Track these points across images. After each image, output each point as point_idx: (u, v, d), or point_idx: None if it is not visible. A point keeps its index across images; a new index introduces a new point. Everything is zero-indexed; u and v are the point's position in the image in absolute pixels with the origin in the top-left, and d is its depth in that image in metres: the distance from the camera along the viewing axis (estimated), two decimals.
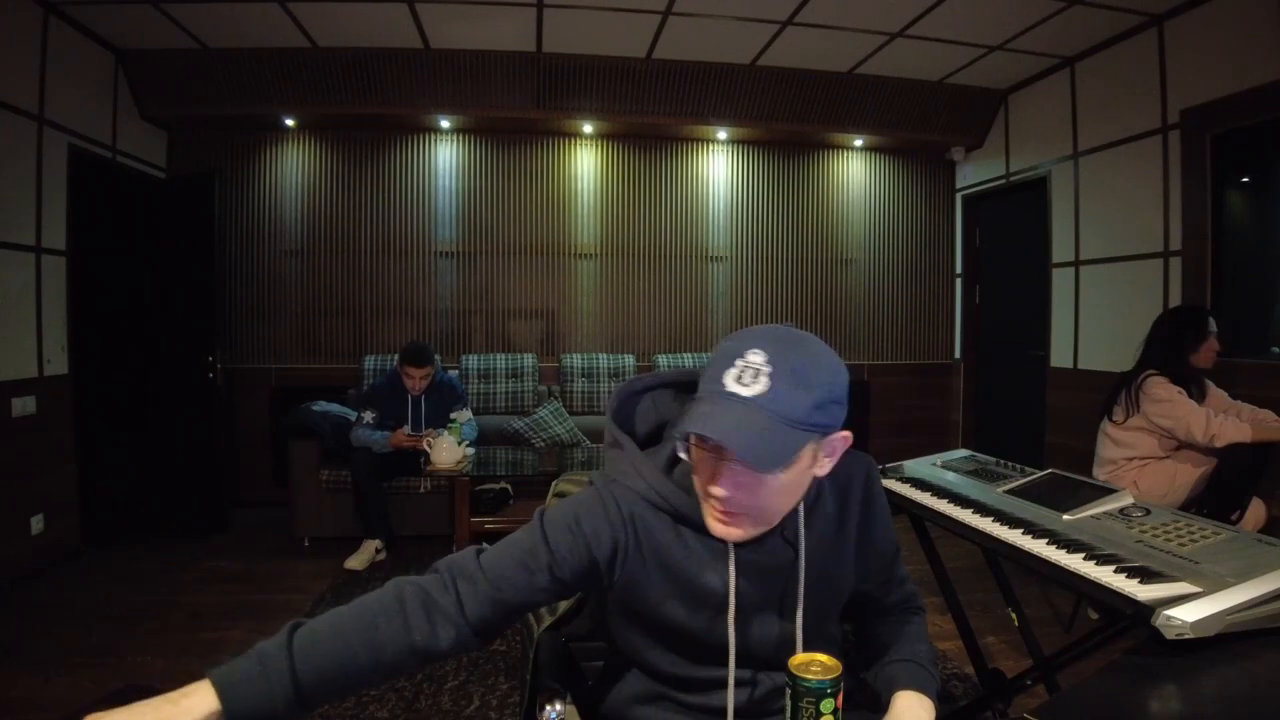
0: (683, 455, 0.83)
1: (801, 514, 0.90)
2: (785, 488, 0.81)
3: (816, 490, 0.92)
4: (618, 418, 0.97)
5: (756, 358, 0.78)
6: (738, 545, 0.88)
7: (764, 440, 0.75)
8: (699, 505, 0.86)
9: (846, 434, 0.84)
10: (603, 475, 0.93)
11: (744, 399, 0.77)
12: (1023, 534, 1.43)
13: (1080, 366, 4.09)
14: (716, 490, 0.80)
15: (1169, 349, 2.63)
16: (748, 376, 0.77)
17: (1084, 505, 1.50)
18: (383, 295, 4.70)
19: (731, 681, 0.92)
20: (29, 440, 3.26)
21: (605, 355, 4.72)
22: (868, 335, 5.18)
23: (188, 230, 4.12)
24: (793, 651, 0.89)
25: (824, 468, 0.84)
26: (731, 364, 0.79)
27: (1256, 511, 2.49)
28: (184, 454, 4.10)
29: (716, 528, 0.84)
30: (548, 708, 1.01)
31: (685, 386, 0.98)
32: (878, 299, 5.20)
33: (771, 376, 0.77)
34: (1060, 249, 4.23)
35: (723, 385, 0.78)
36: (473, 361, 4.54)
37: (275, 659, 0.80)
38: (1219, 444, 2.41)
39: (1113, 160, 3.85)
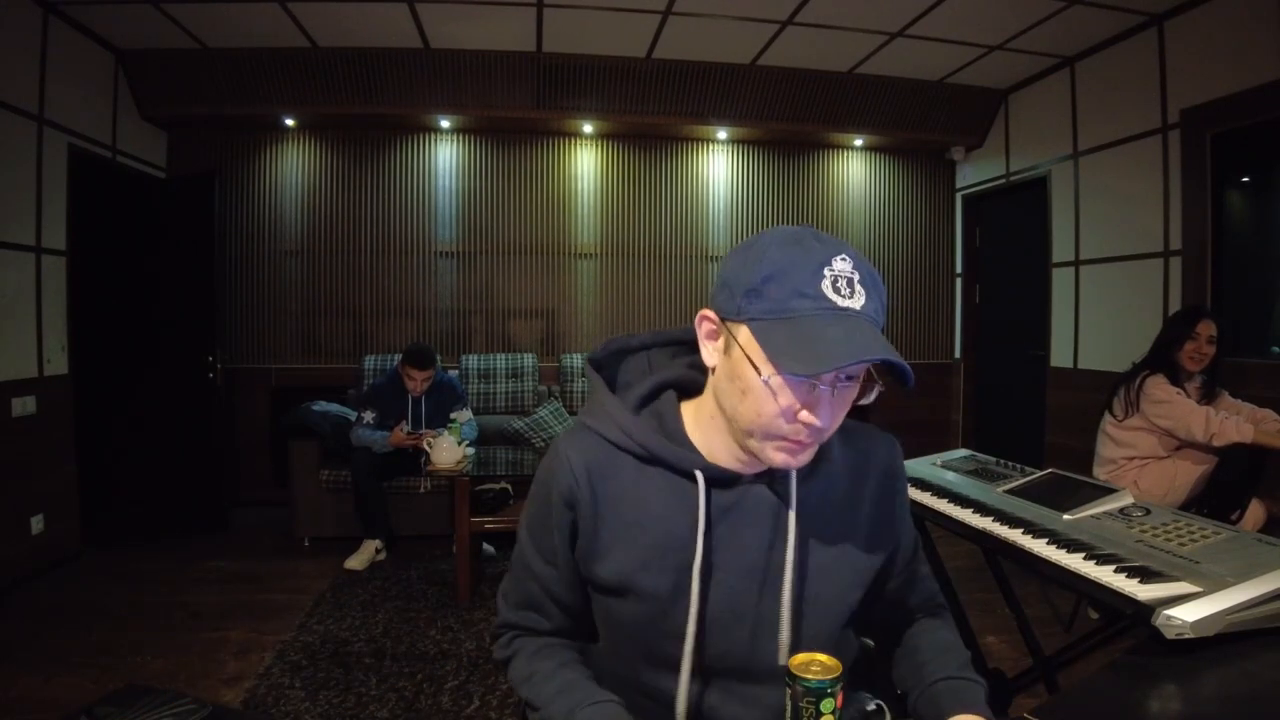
0: (774, 383, 0.70)
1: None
2: None
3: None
4: (595, 364, 0.92)
5: (845, 264, 0.70)
6: (713, 483, 0.79)
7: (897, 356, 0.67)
8: (665, 442, 0.80)
9: None
10: (562, 433, 0.89)
11: (857, 312, 0.69)
12: (1023, 534, 1.43)
13: (1080, 366, 4.09)
14: (813, 419, 0.71)
15: (1162, 348, 2.64)
16: (844, 286, 0.69)
17: (1084, 505, 1.50)
18: (383, 295, 4.71)
19: (689, 648, 0.78)
20: (29, 440, 3.26)
21: None
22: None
23: (188, 230, 4.12)
24: (773, 639, 0.80)
25: None
26: (820, 273, 0.69)
27: (1256, 511, 2.49)
28: (184, 454, 4.10)
29: (779, 457, 0.74)
30: None
31: (689, 345, 0.91)
32: None
33: (863, 284, 0.70)
34: (1060, 249, 4.23)
35: (830, 299, 0.69)
36: (473, 361, 4.54)
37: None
38: (1219, 444, 2.42)
39: (1113, 160, 3.85)
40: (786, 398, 0.71)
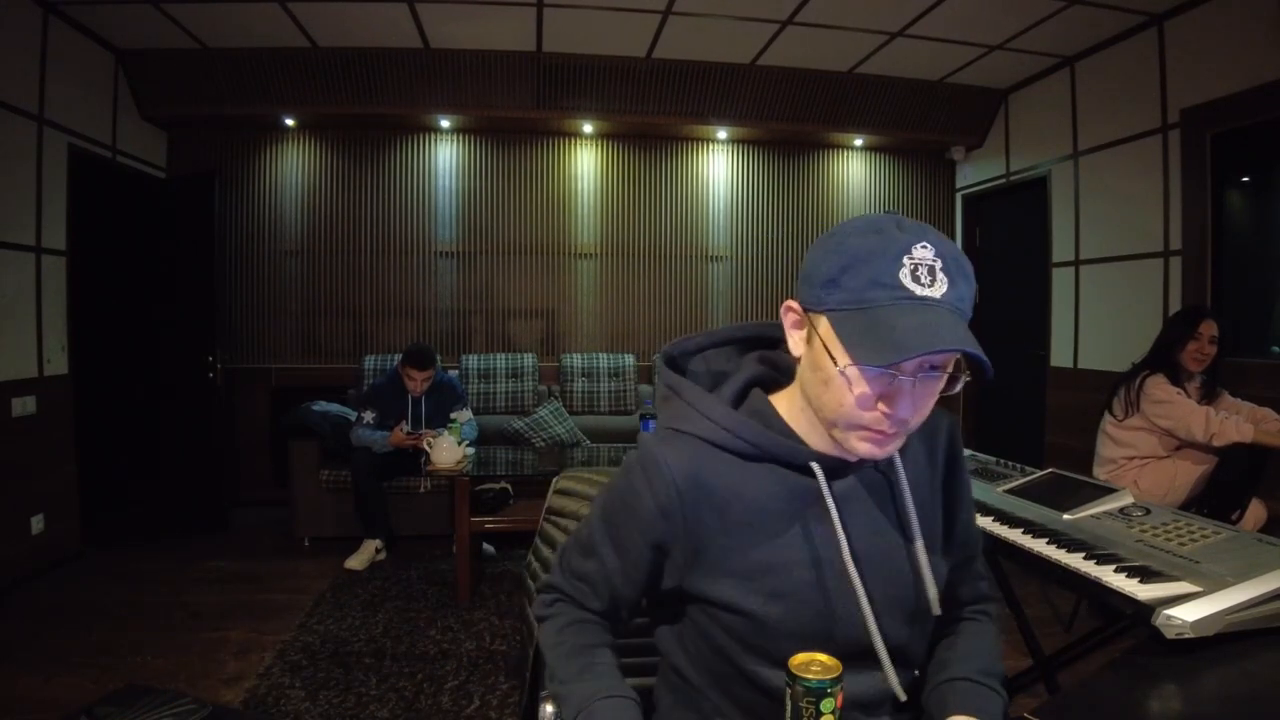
0: (852, 375, 0.70)
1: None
2: None
3: None
4: (675, 368, 0.90)
5: (926, 252, 0.68)
6: (829, 471, 0.79)
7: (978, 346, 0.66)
8: (776, 436, 0.79)
9: None
10: (650, 437, 0.85)
11: (937, 301, 0.68)
12: (1023, 533, 1.43)
13: (1080, 366, 4.09)
14: (892, 410, 0.70)
15: (1163, 348, 2.64)
16: (924, 274, 0.68)
17: (1084, 505, 1.50)
18: (383, 295, 4.71)
19: (873, 626, 0.77)
20: (29, 440, 3.26)
21: (605, 355, 4.72)
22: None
23: (188, 230, 4.12)
24: (924, 603, 0.80)
25: None
26: (899, 261, 0.68)
27: (1256, 511, 2.49)
28: (184, 454, 4.10)
29: (864, 447, 0.73)
30: (548, 708, 1.01)
31: (743, 343, 0.92)
32: None
33: (945, 271, 0.69)
34: (1060, 249, 4.23)
35: (908, 289, 0.67)
36: (473, 361, 4.54)
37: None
38: (1219, 443, 2.42)
39: (1113, 160, 3.85)
40: (863, 389, 0.71)
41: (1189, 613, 0.98)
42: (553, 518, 1.38)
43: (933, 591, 0.81)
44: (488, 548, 3.64)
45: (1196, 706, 0.92)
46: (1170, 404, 2.51)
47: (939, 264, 0.69)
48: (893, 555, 0.82)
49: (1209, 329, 2.58)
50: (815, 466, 0.79)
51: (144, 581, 3.24)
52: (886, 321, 0.67)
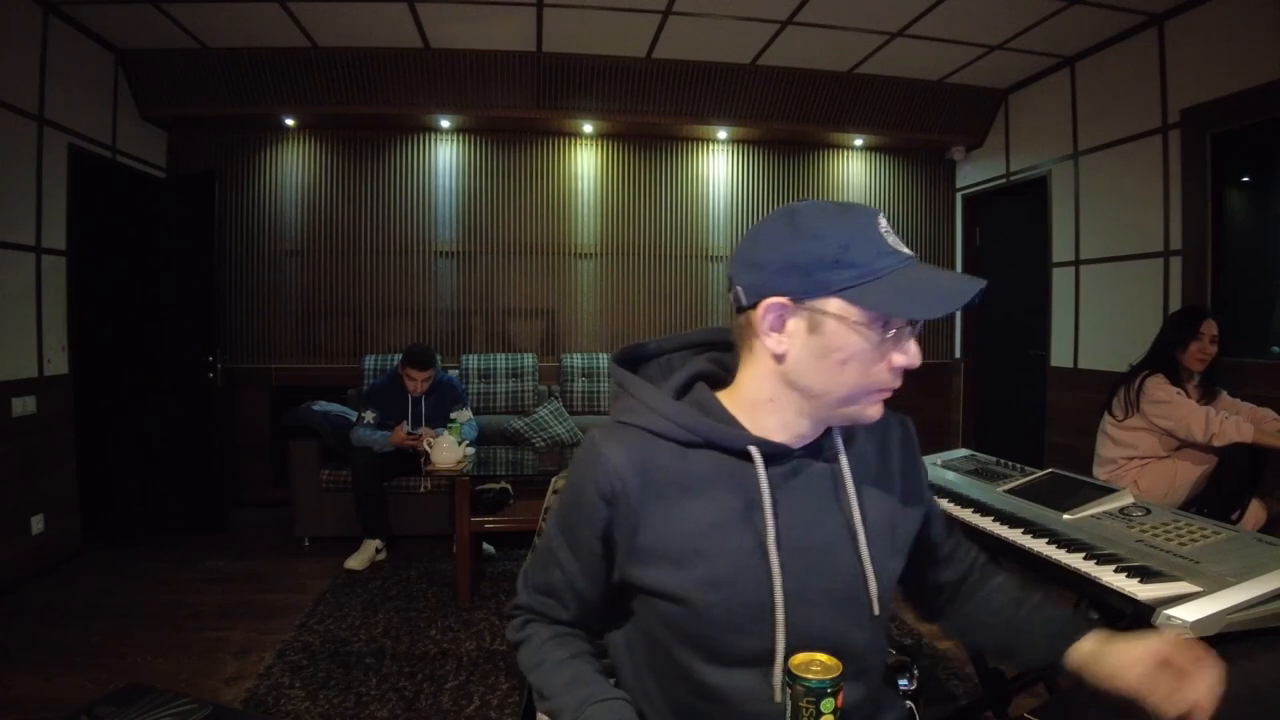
0: (857, 332, 0.74)
1: (837, 429, 0.84)
2: None
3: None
4: (623, 365, 0.93)
5: (883, 220, 0.77)
6: (768, 458, 0.80)
7: None
8: (714, 422, 0.81)
9: None
10: (594, 431, 0.87)
11: (915, 258, 0.76)
12: (1023, 533, 1.43)
13: (1080, 366, 4.09)
14: (913, 360, 0.77)
15: (1164, 349, 2.64)
16: (895, 239, 0.76)
17: (1084, 505, 1.50)
18: (383, 295, 4.71)
19: (781, 616, 0.77)
20: (29, 440, 3.26)
21: (605, 355, 4.72)
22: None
23: (188, 230, 4.12)
24: (864, 600, 0.81)
25: None
26: (879, 232, 0.75)
27: (1256, 511, 2.49)
28: (184, 454, 4.10)
29: (874, 410, 0.79)
30: None
31: (699, 347, 0.94)
32: None
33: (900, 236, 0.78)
34: (1060, 249, 4.23)
35: (900, 252, 0.75)
36: (473, 361, 4.54)
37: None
38: (1219, 443, 2.42)
39: (1113, 160, 3.85)
40: (890, 348, 0.76)
41: (1189, 613, 0.99)
42: None
43: (874, 588, 0.81)
44: (488, 548, 3.64)
45: None
46: (1170, 404, 2.51)
47: (892, 229, 0.77)
48: (834, 549, 0.82)
49: (1210, 329, 2.58)
50: (754, 450, 0.80)
51: (144, 581, 3.24)
52: (909, 281, 0.74)
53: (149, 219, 4.19)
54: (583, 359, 4.66)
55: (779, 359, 0.79)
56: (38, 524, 3.31)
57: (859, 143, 5.03)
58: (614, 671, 0.91)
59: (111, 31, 3.74)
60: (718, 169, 5.00)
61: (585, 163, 4.87)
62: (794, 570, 0.79)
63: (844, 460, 0.84)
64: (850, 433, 0.86)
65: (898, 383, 0.78)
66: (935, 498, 0.99)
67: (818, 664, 0.71)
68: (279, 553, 3.68)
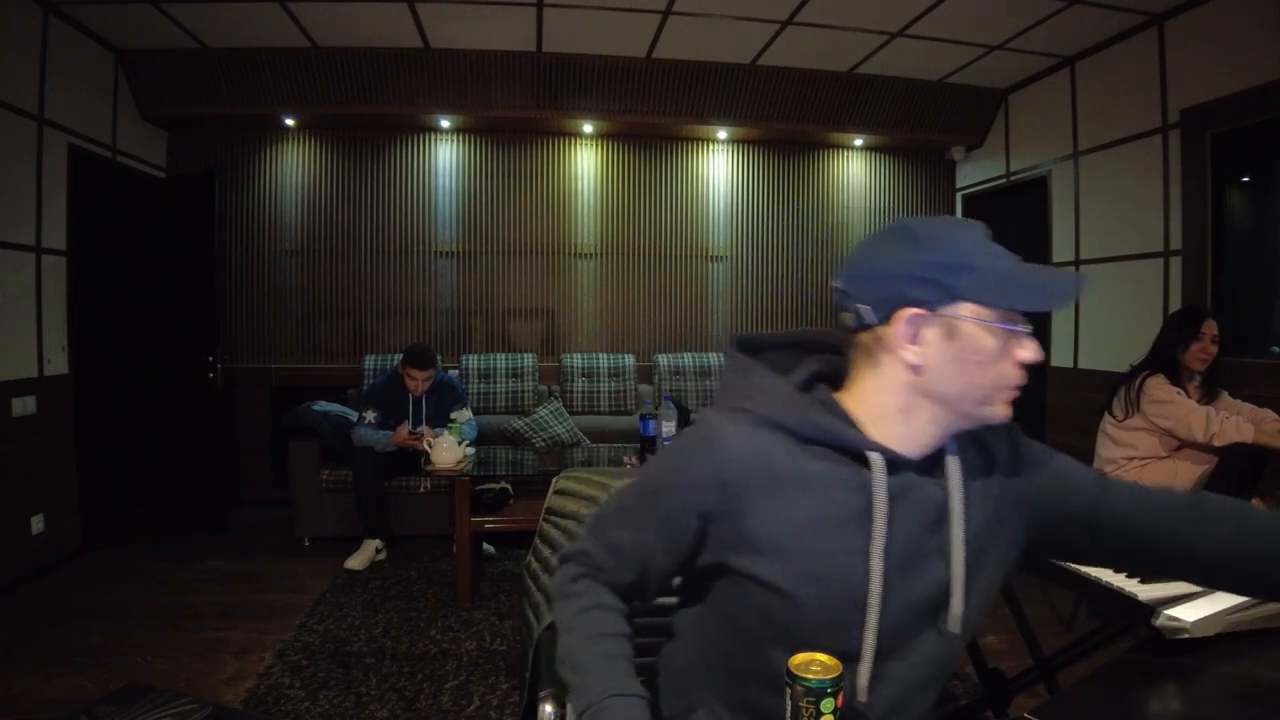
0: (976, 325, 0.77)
1: (952, 441, 0.84)
2: None
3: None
4: (746, 350, 0.92)
5: (984, 227, 0.82)
6: (886, 465, 0.80)
7: None
8: (838, 422, 0.81)
9: None
10: (711, 411, 0.86)
11: (1019, 258, 0.80)
12: None
13: (1080, 366, 4.09)
14: (1037, 354, 0.79)
15: (1165, 349, 2.63)
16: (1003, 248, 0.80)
17: None
18: (383, 295, 4.71)
19: (874, 618, 0.79)
20: (29, 440, 3.26)
21: (605, 355, 4.72)
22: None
23: (188, 230, 4.12)
24: (943, 620, 0.82)
25: None
26: (985, 236, 0.80)
27: None
28: (184, 454, 4.10)
29: (1003, 410, 0.81)
30: (548, 708, 1.01)
31: (808, 348, 0.93)
32: None
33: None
34: (1060, 249, 4.23)
35: (1009, 254, 0.79)
36: (473, 361, 4.54)
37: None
38: (1219, 443, 2.42)
39: (1113, 160, 3.85)
40: (1017, 345, 0.78)
41: (1189, 613, 0.98)
42: (553, 518, 1.38)
43: (958, 608, 0.82)
44: (488, 548, 3.64)
45: (1196, 706, 0.91)
46: (1170, 404, 2.51)
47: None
48: (931, 563, 0.82)
49: (1210, 329, 2.58)
50: (874, 456, 0.80)
51: (144, 581, 3.24)
52: (1029, 278, 0.78)
53: (149, 219, 4.19)
54: (583, 359, 4.66)
55: (916, 370, 0.80)
56: (38, 524, 3.31)
57: (859, 143, 5.03)
58: (663, 655, 0.92)
59: (111, 31, 3.74)
60: (718, 169, 5.00)
61: (585, 163, 4.87)
62: (891, 579, 0.80)
63: (954, 476, 0.83)
64: (961, 447, 0.85)
65: (1025, 379, 0.80)
66: (1079, 470, 0.94)
67: (818, 664, 0.70)
68: (279, 553, 3.68)
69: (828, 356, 0.91)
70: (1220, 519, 0.87)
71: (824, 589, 0.79)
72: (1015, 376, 0.79)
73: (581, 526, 1.23)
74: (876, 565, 0.79)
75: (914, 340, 0.79)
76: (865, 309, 0.80)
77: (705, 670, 0.90)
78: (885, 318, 0.79)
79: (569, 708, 0.81)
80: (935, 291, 0.77)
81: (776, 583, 0.80)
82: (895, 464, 0.81)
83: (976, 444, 0.87)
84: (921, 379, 0.80)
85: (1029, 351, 0.78)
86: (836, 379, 0.88)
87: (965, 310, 0.77)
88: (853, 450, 0.81)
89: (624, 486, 0.91)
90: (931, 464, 0.84)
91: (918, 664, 0.84)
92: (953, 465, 0.83)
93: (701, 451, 0.82)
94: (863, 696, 0.81)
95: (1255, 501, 2.47)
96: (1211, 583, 0.92)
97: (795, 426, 0.81)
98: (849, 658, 0.80)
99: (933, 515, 0.82)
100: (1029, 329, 0.79)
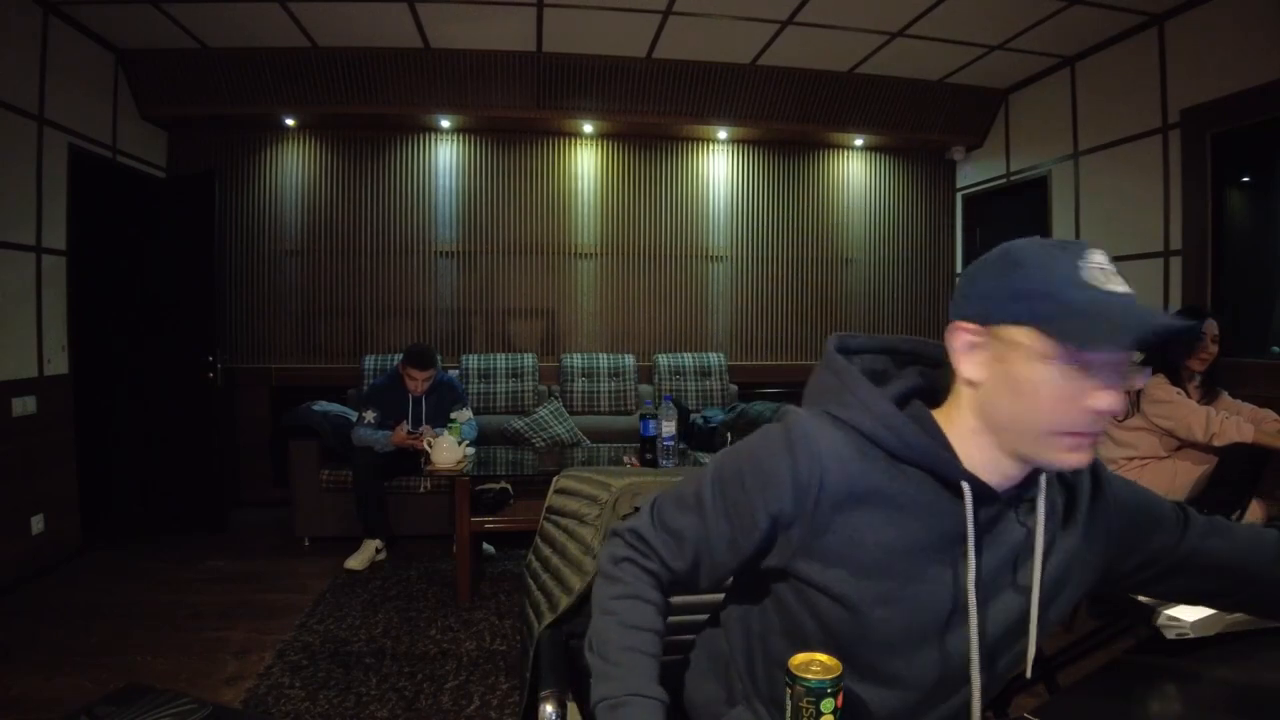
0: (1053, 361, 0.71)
1: (1043, 478, 0.80)
2: None
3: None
4: (846, 354, 0.89)
5: (1099, 257, 0.73)
6: (976, 496, 0.78)
7: None
8: (933, 444, 0.78)
9: None
10: (803, 412, 0.83)
11: (1127, 295, 0.71)
12: None
13: None
14: (1113, 403, 0.72)
15: (1165, 350, 2.63)
16: (1107, 276, 0.72)
17: None
18: (383, 295, 4.71)
19: (975, 657, 0.78)
20: (29, 440, 3.26)
21: (605, 355, 4.72)
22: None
23: (188, 230, 4.12)
24: (1020, 650, 0.82)
25: None
26: (1082, 266, 0.72)
27: (1256, 511, 2.49)
28: (184, 454, 4.10)
29: (1071, 457, 0.74)
30: (548, 708, 1.01)
31: (901, 355, 0.91)
32: (878, 299, 5.21)
33: (1119, 275, 0.73)
34: None
35: (1102, 287, 0.71)
36: (473, 361, 4.54)
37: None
38: (1219, 443, 2.42)
39: (1113, 160, 3.85)
40: (1085, 387, 0.71)
41: (1189, 613, 0.98)
42: (553, 517, 1.38)
43: (1030, 651, 0.81)
44: (488, 548, 3.64)
45: (1196, 706, 0.92)
46: (1170, 404, 2.51)
47: (1111, 267, 0.73)
48: (1008, 602, 0.81)
49: (1211, 328, 2.58)
50: (965, 486, 0.78)
51: (144, 581, 3.24)
52: (1099, 312, 0.69)
53: (149, 219, 4.19)
54: (583, 359, 4.66)
55: (973, 384, 0.78)
56: (38, 524, 3.31)
57: (859, 143, 5.03)
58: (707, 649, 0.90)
59: (111, 31, 3.74)
60: (718, 169, 5.00)
61: (585, 163, 4.87)
62: (980, 619, 0.79)
63: (1040, 515, 0.80)
64: (1048, 482, 0.82)
65: (1097, 427, 0.73)
66: (1173, 512, 0.90)
67: (818, 664, 0.70)
68: (279, 553, 3.68)
69: (924, 370, 0.88)
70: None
71: (895, 612, 0.78)
72: (1081, 422, 0.73)
73: (583, 527, 1.23)
74: (972, 598, 0.77)
75: (969, 353, 0.78)
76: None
77: (746, 662, 0.88)
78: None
79: (592, 689, 0.79)
80: (994, 309, 0.75)
81: (848, 598, 0.78)
82: (983, 495, 0.79)
83: (1061, 480, 0.85)
84: (979, 396, 0.78)
85: (1102, 400, 0.72)
86: (933, 395, 0.85)
87: (1021, 335, 0.73)
88: (946, 477, 0.78)
89: (693, 475, 0.87)
90: (1018, 498, 0.82)
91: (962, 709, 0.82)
92: (1039, 503, 0.81)
93: (788, 452, 0.78)
94: None
95: (1255, 502, 2.48)
96: None
97: (889, 443, 0.79)
98: (905, 685, 0.80)
99: (1014, 552, 0.81)
100: (1118, 376, 0.72)
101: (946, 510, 0.78)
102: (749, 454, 0.82)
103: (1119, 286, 0.72)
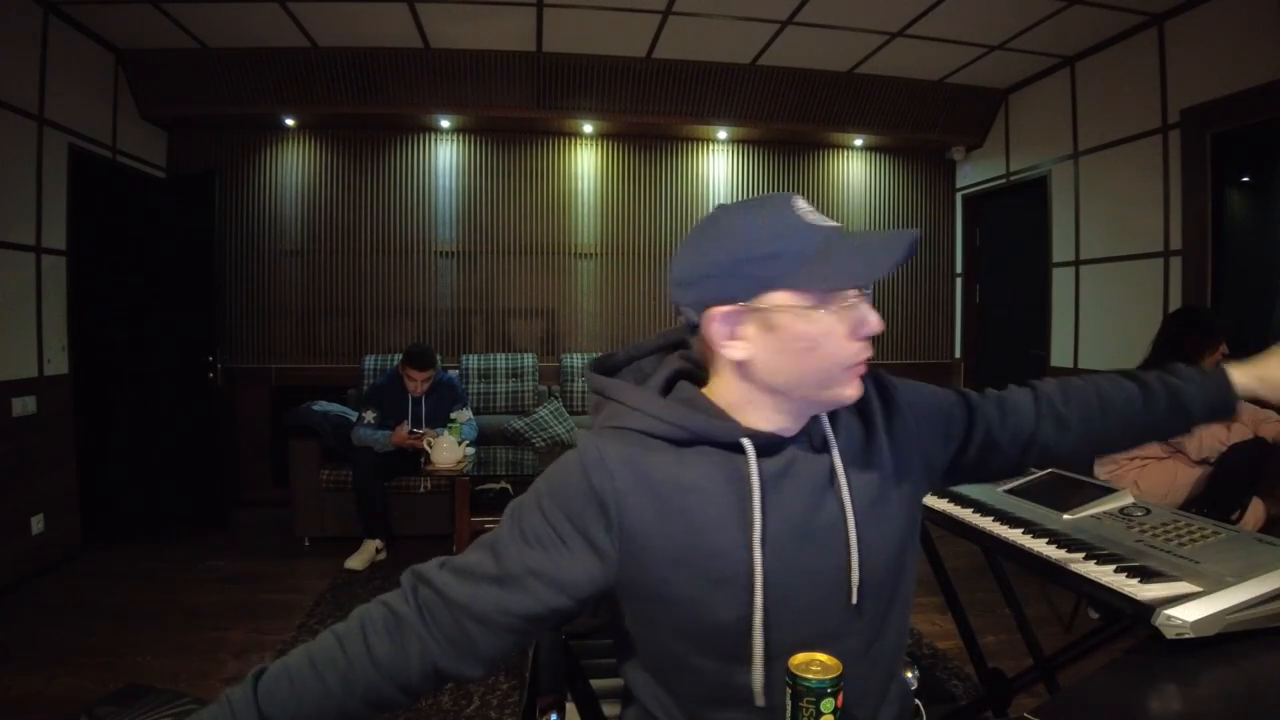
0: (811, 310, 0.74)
1: (825, 415, 0.82)
2: None
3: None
4: (604, 372, 0.90)
5: (802, 202, 0.77)
6: (761, 448, 0.78)
7: None
8: (705, 417, 0.78)
9: None
10: (585, 433, 0.82)
11: (842, 227, 0.76)
12: (1023, 533, 1.43)
13: (1080, 366, 4.08)
14: (875, 326, 0.76)
15: (1172, 351, 2.61)
16: (815, 215, 0.76)
17: (1084, 505, 1.50)
18: (383, 295, 4.70)
19: (759, 621, 0.75)
20: (29, 440, 3.26)
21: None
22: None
23: (188, 230, 4.13)
24: (843, 587, 0.79)
25: None
26: (795, 213, 0.75)
27: (1256, 511, 2.49)
28: (184, 454, 4.10)
29: (852, 390, 0.77)
30: (548, 708, 1.01)
31: (669, 349, 0.91)
32: (878, 298, 5.19)
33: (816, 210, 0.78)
34: (1060, 249, 4.23)
35: (822, 226, 0.75)
36: (473, 361, 4.54)
37: (242, 707, 0.76)
38: (1213, 456, 2.42)
39: (1113, 160, 3.85)
40: (850, 320, 0.75)
41: (1189, 613, 0.98)
42: None
43: (855, 576, 0.78)
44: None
45: (1196, 706, 0.91)
46: None
47: (811, 207, 0.77)
48: (827, 538, 0.79)
49: (1223, 346, 2.53)
50: (745, 442, 0.78)
51: (144, 581, 3.24)
52: (844, 251, 0.74)
53: (149, 219, 4.19)
54: (583, 359, 4.66)
55: (743, 365, 0.78)
56: (38, 524, 3.31)
57: (859, 143, 5.03)
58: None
59: (111, 31, 3.74)
60: (718, 169, 5.00)
61: (585, 163, 4.87)
62: (782, 562, 0.76)
63: (834, 445, 0.81)
64: (835, 413, 0.84)
65: (868, 352, 0.77)
66: (966, 399, 0.95)
67: (818, 664, 0.70)
68: (279, 553, 3.68)
69: (688, 352, 0.87)
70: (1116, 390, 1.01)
71: (730, 590, 0.76)
72: (855, 352, 0.76)
73: None
74: (757, 553, 0.75)
75: (732, 337, 0.77)
76: (689, 310, 0.79)
77: (660, 708, 0.84)
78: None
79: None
80: (741, 285, 0.74)
81: (682, 594, 0.76)
82: (776, 444, 0.80)
83: (854, 411, 0.86)
84: (752, 373, 0.78)
85: (865, 325, 0.76)
86: (699, 375, 0.85)
87: (777, 299, 0.74)
88: (726, 442, 0.78)
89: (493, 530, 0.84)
90: (810, 433, 0.82)
91: (825, 648, 0.76)
92: (827, 430, 0.82)
93: (579, 471, 0.77)
94: (759, 701, 0.77)
95: (1255, 501, 2.47)
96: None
97: (665, 432, 0.78)
98: (773, 656, 0.76)
99: (821, 482, 0.80)
100: (865, 296, 0.76)
101: (740, 474, 0.77)
102: (543, 481, 0.81)
103: (826, 220, 0.76)
